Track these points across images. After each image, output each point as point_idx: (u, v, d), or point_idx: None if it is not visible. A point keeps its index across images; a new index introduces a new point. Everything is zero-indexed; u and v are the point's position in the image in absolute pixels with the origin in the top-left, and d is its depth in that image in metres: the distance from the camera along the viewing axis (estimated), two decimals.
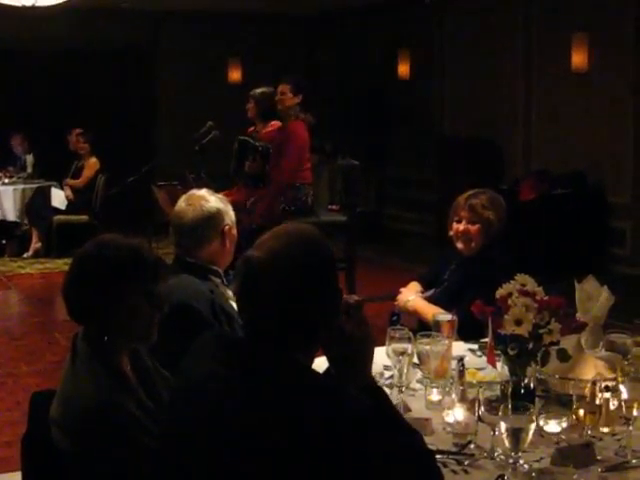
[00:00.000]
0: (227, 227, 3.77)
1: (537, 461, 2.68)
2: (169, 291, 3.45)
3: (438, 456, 2.69)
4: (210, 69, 14.84)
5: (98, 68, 14.59)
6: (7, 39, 13.81)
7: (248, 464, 2.13)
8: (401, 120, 13.82)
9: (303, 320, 2.27)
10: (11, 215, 12.25)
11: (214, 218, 3.74)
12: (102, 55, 14.52)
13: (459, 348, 3.72)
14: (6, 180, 12.68)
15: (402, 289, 4.64)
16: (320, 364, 2.46)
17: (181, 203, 3.80)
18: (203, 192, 3.86)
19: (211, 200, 3.78)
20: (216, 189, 8.20)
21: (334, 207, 8.68)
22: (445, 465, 2.68)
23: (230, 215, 3.82)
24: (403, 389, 3.18)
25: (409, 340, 3.21)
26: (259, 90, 8.58)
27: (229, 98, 13.27)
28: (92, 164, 12.47)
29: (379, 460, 2.16)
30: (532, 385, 2.97)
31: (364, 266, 9.80)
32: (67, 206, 12.39)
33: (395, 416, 2.43)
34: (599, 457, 2.71)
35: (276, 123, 8.48)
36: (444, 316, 3.70)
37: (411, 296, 4.52)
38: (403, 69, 13.80)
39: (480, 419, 2.80)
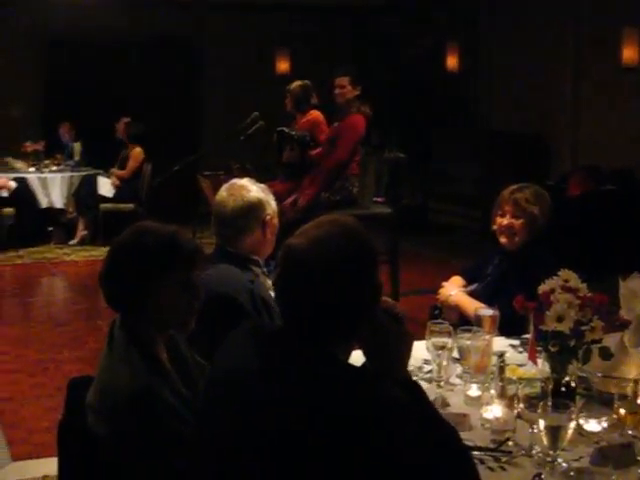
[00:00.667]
0: (268, 217, 3.75)
1: (576, 460, 2.63)
2: (209, 280, 3.45)
3: (475, 453, 2.66)
4: (258, 60, 14.85)
5: (146, 57, 14.66)
6: (56, 29, 13.92)
7: (280, 456, 2.11)
8: (449, 114, 13.76)
9: (341, 311, 2.24)
10: (58, 202, 12.33)
11: (255, 208, 3.72)
12: (150, 45, 14.57)
13: (500, 343, 3.69)
14: (54, 168, 12.77)
15: (444, 283, 4.60)
16: (357, 358, 2.44)
17: (222, 192, 3.78)
18: (244, 182, 3.84)
19: (252, 190, 3.76)
20: (259, 180, 8.28)
21: (379, 199, 8.64)
22: (482, 462, 2.65)
23: (271, 205, 3.80)
24: (442, 384, 3.16)
25: (449, 334, 3.19)
26: (293, 83, 8.58)
27: (277, 89, 13.26)
28: (136, 154, 12.48)
29: (413, 454, 2.13)
30: (573, 383, 2.93)
31: (408, 259, 9.77)
32: (114, 194, 12.42)
33: (431, 412, 2.40)
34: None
35: (314, 112, 8.45)
36: (486, 311, 3.67)
37: (453, 290, 4.49)
38: (452, 63, 13.73)
39: (519, 416, 2.76)
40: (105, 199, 12.34)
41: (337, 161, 7.81)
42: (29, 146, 12.96)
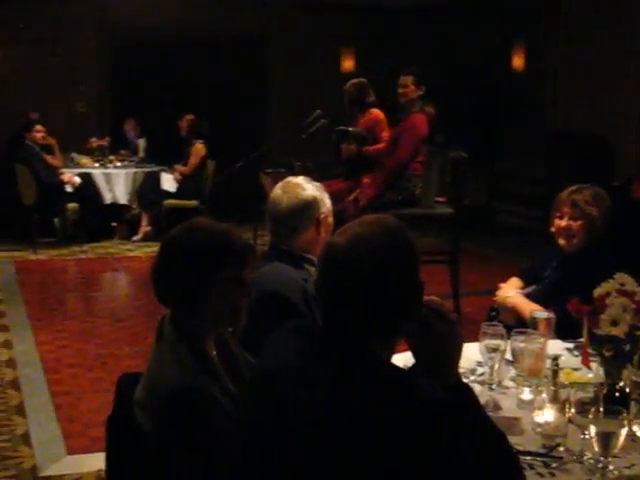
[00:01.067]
0: (323, 215, 3.72)
1: (628, 468, 2.57)
2: (261, 278, 3.45)
3: (525, 457, 2.62)
4: (323, 58, 14.85)
5: (211, 55, 14.72)
6: (121, 26, 14.06)
7: (318, 456, 2.10)
8: (514, 114, 13.64)
9: (382, 311, 2.22)
10: (122, 198, 12.45)
11: (310, 206, 3.69)
12: (215, 42, 14.63)
13: (556, 347, 3.63)
14: (118, 163, 12.90)
15: (502, 284, 4.55)
16: (406, 359, 2.41)
17: (277, 190, 3.77)
18: (300, 179, 3.81)
19: (307, 188, 3.73)
20: (320, 178, 8.28)
21: (441, 199, 8.59)
22: (531, 467, 2.60)
23: (326, 203, 3.77)
24: (493, 386, 3.11)
25: (502, 337, 3.15)
26: (348, 83, 8.57)
27: (342, 88, 13.26)
28: (198, 151, 12.55)
29: (456, 457, 2.10)
30: (627, 389, 2.87)
31: (471, 260, 9.71)
32: (177, 190, 12.50)
33: (480, 415, 2.36)
34: None
35: (374, 111, 8.43)
36: (541, 313, 3.61)
37: (510, 292, 4.43)
38: (518, 63, 13.61)
39: (571, 421, 2.72)
40: (168, 195, 12.43)
41: (398, 160, 7.78)
42: (94, 142, 13.12)
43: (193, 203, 12.31)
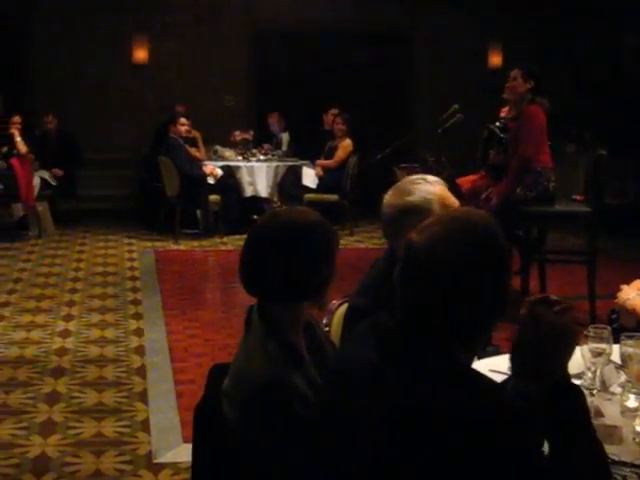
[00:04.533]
0: None
1: None
2: None
3: (621, 468, 2.50)
4: (468, 53, 14.70)
5: (356, 51, 14.73)
6: (267, 20, 14.20)
7: (393, 456, 2.05)
8: None
9: (460, 311, 2.14)
10: (263, 191, 12.57)
11: (421, 207, 3.59)
12: (359, 38, 14.64)
13: None
14: (261, 157, 13.02)
15: (623, 286, 4.37)
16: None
17: (389, 192, 3.68)
18: (413, 179, 3.72)
19: (417, 190, 3.63)
20: (458, 174, 8.17)
21: (578, 197, 8.36)
22: (625, 479, 2.48)
23: (440, 204, 3.65)
24: (594, 392, 2.99)
25: (607, 340, 3.01)
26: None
27: (488, 83, 13.11)
28: (345, 145, 12.59)
29: (537, 465, 2.04)
30: None
31: (611, 261, 9.42)
32: (318, 185, 12.56)
33: (582, 420, 2.23)
34: None
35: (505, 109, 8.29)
36: None
37: (632, 294, 4.26)
38: None
39: None
40: (309, 190, 12.48)
41: (521, 156, 7.62)
42: (238, 135, 13.27)
43: (334, 197, 12.34)
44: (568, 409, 2.19)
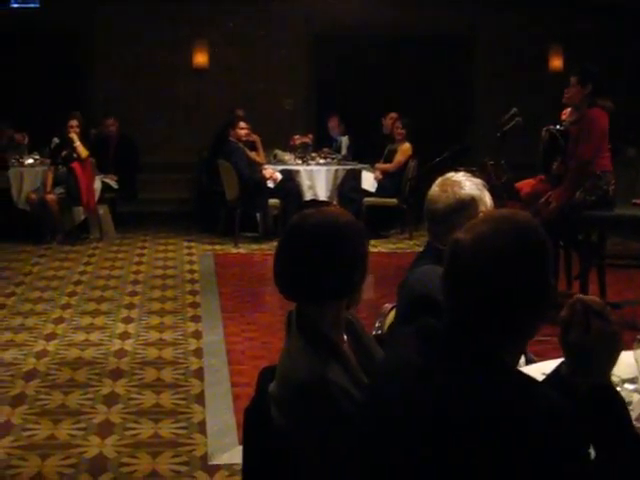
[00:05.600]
0: (481, 215, 3.62)
1: None
2: (413, 282, 3.49)
3: None
4: (529, 56, 14.62)
5: (416, 54, 14.72)
6: (326, 24, 14.25)
7: (438, 457, 2.06)
8: None
9: (505, 312, 2.14)
10: (323, 195, 12.57)
11: (467, 206, 3.58)
12: (421, 41, 14.63)
13: None
14: (321, 161, 13.03)
15: None
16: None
17: (435, 188, 3.69)
18: (459, 177, 3.71)
19: (466, 187, 3.62)
20: (517, 177, 8.11)
21: (638, 201, 8.27)
22: None
23: (486, 202, 3.64)
24: None
25: None
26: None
27: (548, 86, 13.03)
28: (405, 149, 12.58)
29: (580, 465, 2.04)
30: None
31: None
32: (377, 189, 12.56)
33: (624, 422, 2.22)
34: None
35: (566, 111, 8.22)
36: None
37: None
38: None
39: None
40: (368, 193, 12.48)
41: (579, 159, 7.56)
42: (297, 139, 13.31)
43: (393, 201, 12.34)
44: (610, 412, 2.19)
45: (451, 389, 2.09)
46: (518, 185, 8.17)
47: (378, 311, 4.08)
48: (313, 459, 2.60)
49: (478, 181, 3.71)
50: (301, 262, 2.74)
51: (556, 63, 14.90)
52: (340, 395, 2.58)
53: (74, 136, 11.97)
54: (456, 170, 9.06)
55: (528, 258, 2.18)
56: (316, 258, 2.72)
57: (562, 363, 2.35)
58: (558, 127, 8.19)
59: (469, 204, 3.58)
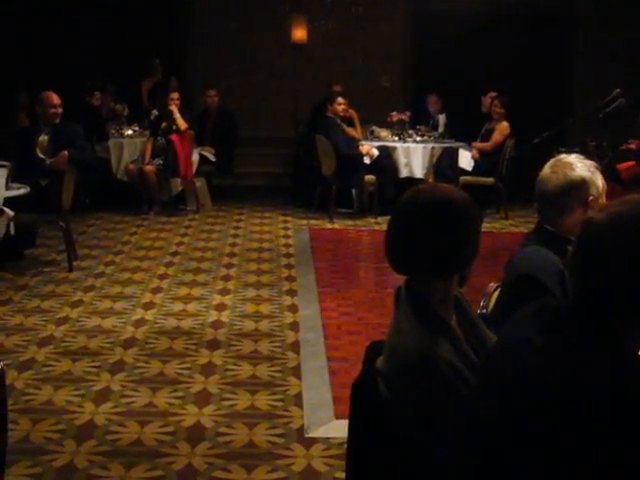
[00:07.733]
0: (592, 198, 3.55)
1: None
2: (519, 261, 3.50)
3: None
4: (631, 37, 14.33)
5: (515, 32, 14.55)
6: (426, 2, 14.15)
7: (554, 437, 2.05)
8: None
9: (634, 296, 2.10)
10: (418, 173, 12.53)
11: (578, 187, 3.54)
12: (520, 19, 14.46)
13: None
14: (417, 138, 12.97)
15: None
16: None
17: (546, 169, 3.64)
18: (571, 158, 3.66)
19: (577, 168, 3.57)
20: (615, 160, 8.00)
21: None
22: None
23: (597, 185, 3.58)
24: None
25: None
26: None
27: None
28: (503, 128, 12.44)
29: None
30: None
31: None
32: (473, 168, 12.47)
33: None
34: None
35: None
36: None
37: None
38: None
39: None
40: (464, 172, 12.40)
41: None
42: (395, 116, 13.25)
43: (489, 180, 12.25)
44: None
45: (573, 371, 2.07)
46: (620, 167, 8.05)
47: (475, 290, 4.06)
48: (420, 434, 2.60)
49: (590, 163, 3.66)
50: (414, 237, 2.74)
51: None
52: (448, 372, 2.59)
53: (174, 108, 12.10)
54: (558, 151, 9.01)
55: None
56: (428, 231, 2.72)
57: None
58: None
59: (579, 186, 3.54)
